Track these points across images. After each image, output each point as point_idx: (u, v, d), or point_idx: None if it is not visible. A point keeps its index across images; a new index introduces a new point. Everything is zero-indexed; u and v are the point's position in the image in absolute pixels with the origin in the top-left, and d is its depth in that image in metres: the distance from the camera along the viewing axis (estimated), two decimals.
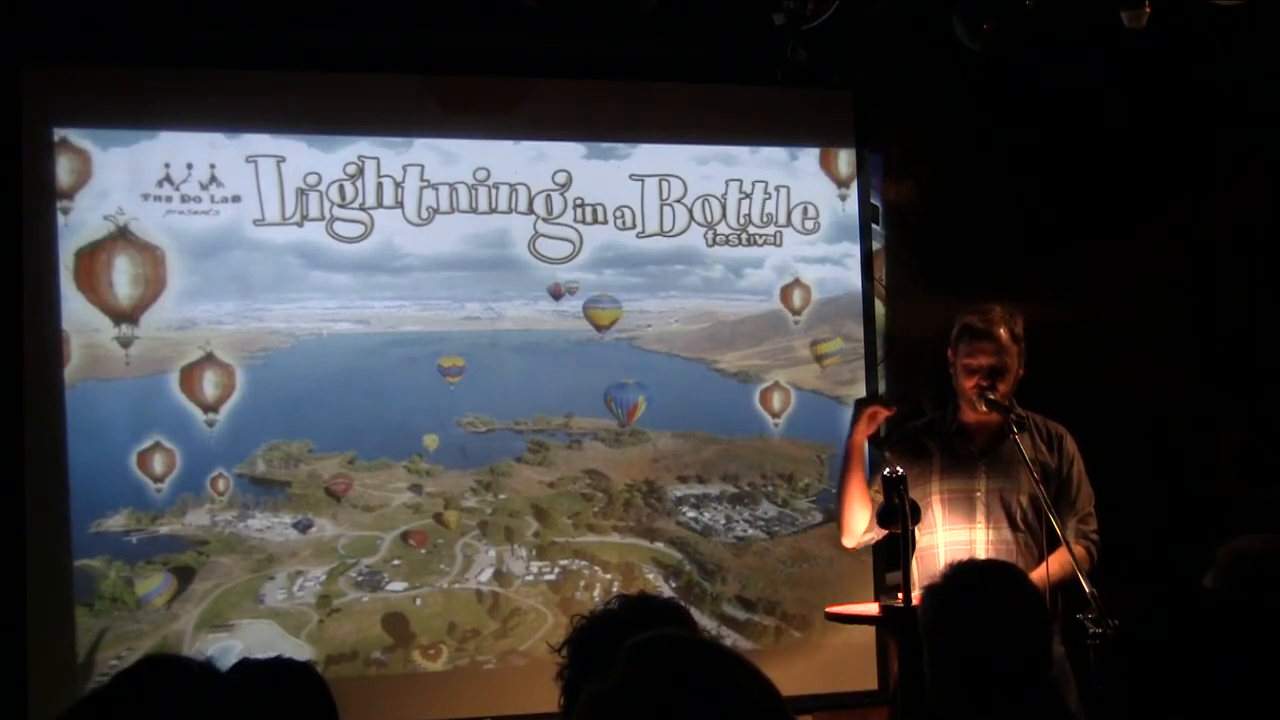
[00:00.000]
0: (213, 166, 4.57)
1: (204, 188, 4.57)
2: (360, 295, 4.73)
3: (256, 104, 4.64)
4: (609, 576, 4.84)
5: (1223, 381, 5.14)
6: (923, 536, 3.83)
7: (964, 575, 2.63)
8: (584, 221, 4.91)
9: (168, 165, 4.53)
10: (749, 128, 5.03)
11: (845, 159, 5.14)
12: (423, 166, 4.77)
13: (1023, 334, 3.89)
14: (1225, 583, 2.67)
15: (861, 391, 5.08)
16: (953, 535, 3.85)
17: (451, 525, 4.75)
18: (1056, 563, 3.73)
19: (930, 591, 2.65)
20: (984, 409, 3.85)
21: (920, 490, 3.81)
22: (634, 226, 4.96)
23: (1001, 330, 3.84)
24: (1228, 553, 2.74)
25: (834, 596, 4.52)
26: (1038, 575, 3.58)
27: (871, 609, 3.98)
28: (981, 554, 3.74)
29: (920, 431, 4.03)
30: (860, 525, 3.93)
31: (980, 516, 3.86)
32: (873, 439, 4.82)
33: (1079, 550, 3.67)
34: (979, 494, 3.86)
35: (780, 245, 5.08)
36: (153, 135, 4.54)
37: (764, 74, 4.18)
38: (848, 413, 5.04)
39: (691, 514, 4.96)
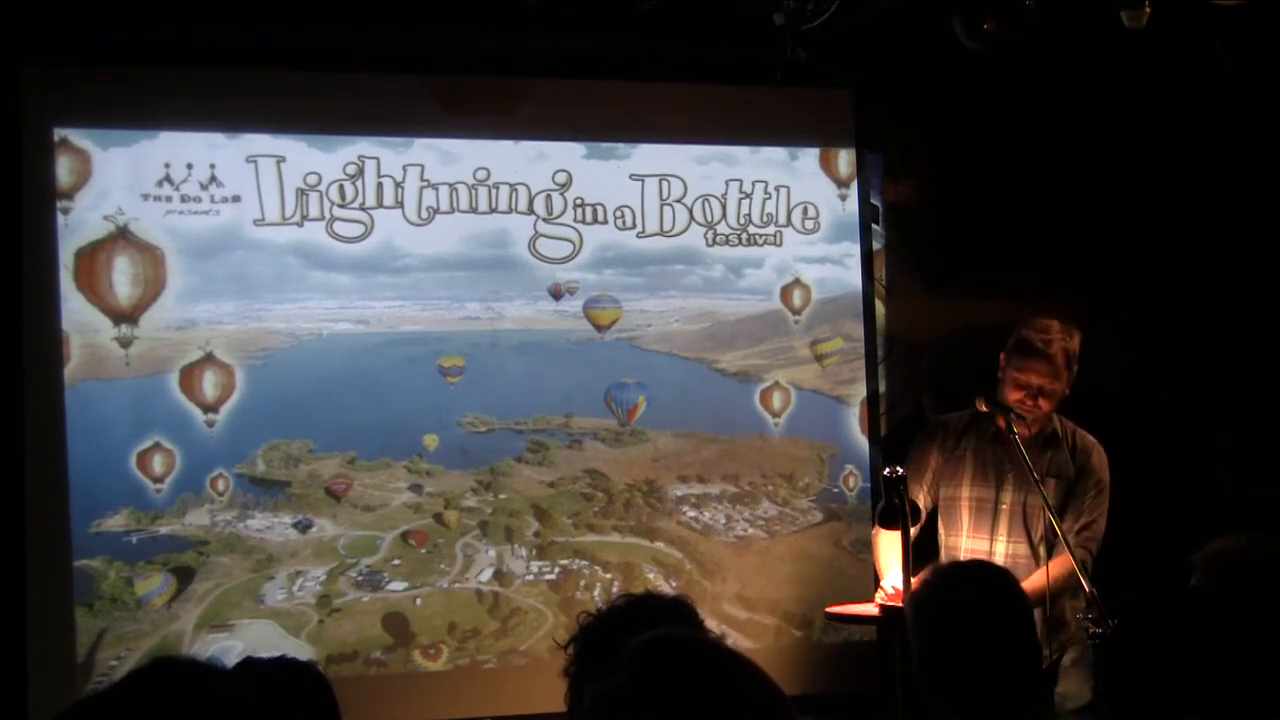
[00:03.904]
0: (213, 166, 4.57)
1: (204, 188, 4.56)
2: (360, 295, 4.73)
3: (256, 104, 4.63)
4: (609, 576, 4.84)
5: (1223, 381, 5.14)
6: (950, 537, 3.85)
7: (944, 579, 2.63)
8: (584, 221, 4.91)
9: (168, 165, 4.53)
10: (749, 128, 5.02)
11: (845, 159, 5.14)
12: (423, 166, 4.76)
13: (1078, 353, 3.87)
14: (1211, 581, 2.69)
15: (862, 391, 5.08)
16: (975, 545, 3.90)
17: (451, 525, 4.74)
18: (1057, 565, 3.75)
19: (913, 597, 2.66)
20: (983, 408, 3.86)
21: (951, 491, 3.83)
22: (634, 226, 4.96)
23: (1057, 352, 3.83)
24: (1205, 556, 2.76)
25: (834, 596, 4.51)
26: (1037, 580, 3.60)
27: (871, 609, 3.97)
28: None
29: (963, 427, 4.02)
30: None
31: (1002, 530, 3.88)
32: (874, 436, 4.84)
33: (1078, 553, 3.68)
34: (1004, 506, 3.89)
35: (780, 245, 5.07)
36: (153, 135, 4.53)
37: (764, 74, 4.18)
38: (848, 412, 5.08)
39: (692, 513, 4.96)
